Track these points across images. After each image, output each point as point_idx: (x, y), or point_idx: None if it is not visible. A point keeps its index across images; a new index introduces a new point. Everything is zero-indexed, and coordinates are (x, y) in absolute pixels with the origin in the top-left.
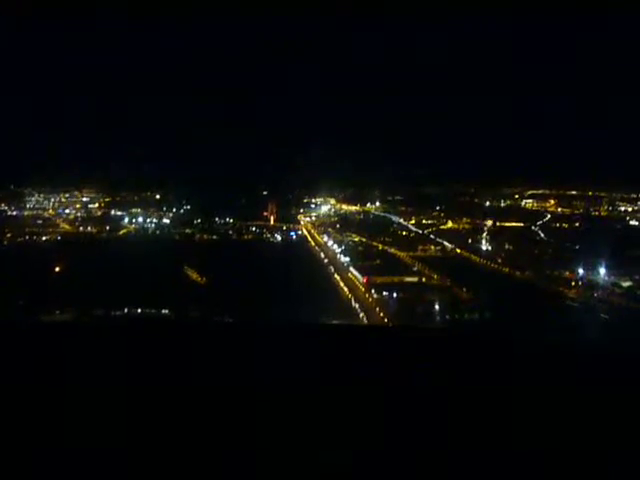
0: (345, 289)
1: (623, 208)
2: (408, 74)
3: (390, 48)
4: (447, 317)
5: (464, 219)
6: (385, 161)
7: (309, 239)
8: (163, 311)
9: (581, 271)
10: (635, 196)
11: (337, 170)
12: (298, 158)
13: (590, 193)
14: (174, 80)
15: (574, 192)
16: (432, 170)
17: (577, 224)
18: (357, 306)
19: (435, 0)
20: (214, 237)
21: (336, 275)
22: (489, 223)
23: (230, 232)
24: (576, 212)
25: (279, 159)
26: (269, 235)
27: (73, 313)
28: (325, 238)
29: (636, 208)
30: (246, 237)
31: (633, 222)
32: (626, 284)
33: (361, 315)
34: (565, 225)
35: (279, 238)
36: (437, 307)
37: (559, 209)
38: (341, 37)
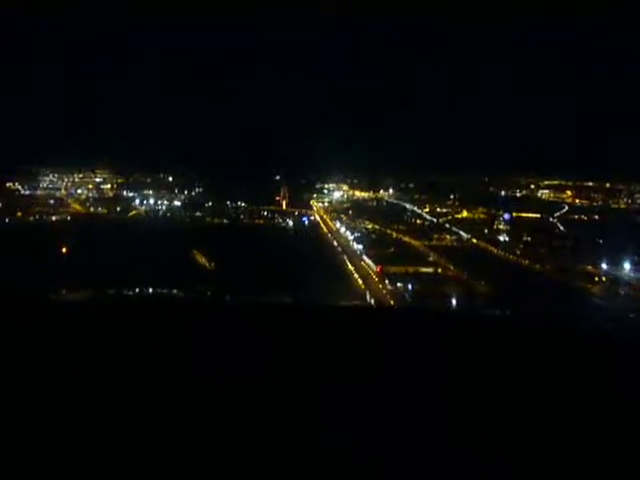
0: (358, 278)
1: None
2: (425, 61)
3: (407, 34)
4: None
5: (479, 208)
6: (399, 148)
7: (321, 225)
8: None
9: (605, 266)
10: None
11: (350, 156)
12: (312, 143)
13: (608, 185)
14: (188, 63)
15: (591, 183)
16: (446, 158)
17: (596, 216)
18: (370, 296)
19: None
20: (225, 221)
21: (349, 263)
22: (506, 213)
23: (241, 216)
24: (595, 204)
25: (293, 144)
26: (281, 220)
27: (79, 292)
28: (337, 224)
29: None
30: (258, 221)
31: None
32: None
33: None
34: (584, 217)
35: (291, 223)
36: (453, 301)
37: (577, 200)
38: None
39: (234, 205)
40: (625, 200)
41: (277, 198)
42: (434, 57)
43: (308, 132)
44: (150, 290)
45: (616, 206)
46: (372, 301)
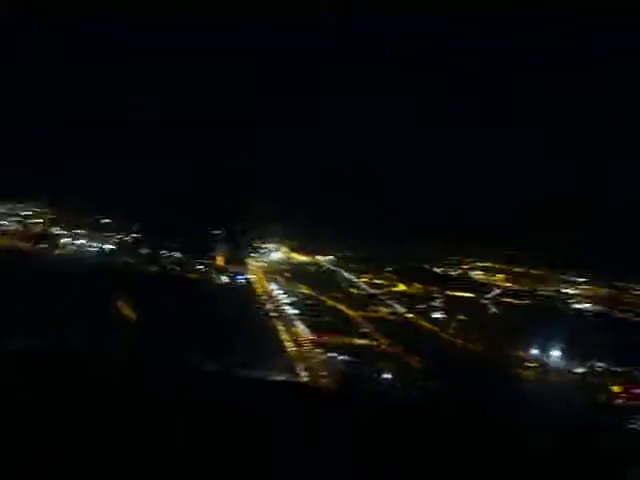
0: (290, 345)
1: (565, 290)
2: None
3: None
4: (397, 386)
5: (415, 284)
6: (339, 215)
7: (257, 285)
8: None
9: (535, 351)
10: (579, 280)
11: (292, 218)
12: (253, 201)
13: (535, 272)
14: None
15: (520, 269)
16: (386, 227)
17: (527, 301)
18: (300, 365)
19: None
20: (158, 270)
21: (281, 327)
22: (441, 291)
23: (176, 267)
24: (524, 289)
25: (233, 199)
26: (215, 276)
27: None
28: (273, 286)
29: (578, 292)
30: (192, 275)
31: (578, 305)
32: (580, 370)
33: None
34: (515, 301)
35: (226, 280)
36: (386, 375)
37: (507, 284)
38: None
39: (169, 255)
40: (552, 288)
41: (214, 253)
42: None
43: (250, 189)
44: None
45: (543, 293)
46: (303, 372)
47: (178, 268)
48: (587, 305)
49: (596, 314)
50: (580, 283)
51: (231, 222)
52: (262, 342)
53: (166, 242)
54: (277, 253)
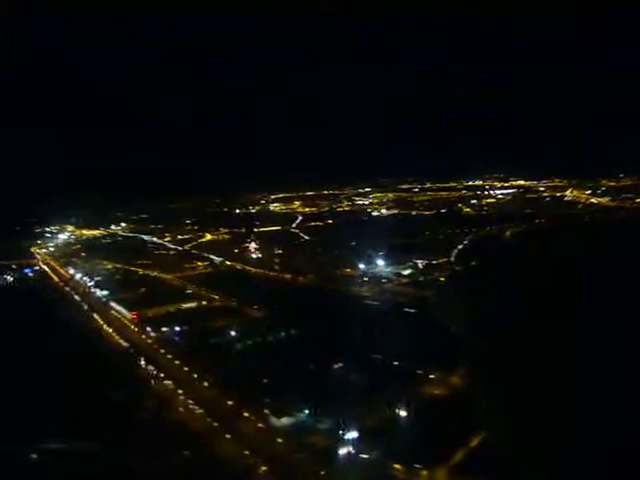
0: (112, 332)
1: (360, 202)
2: None
3: None
4: (249, 342)
5: (221, 229)
6: (120, 178)
7: (51, 274)
8: None
9: (361, 266)
10: (365, 190)
11: (68, 195)
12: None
13: (326, 192)
14: None
15: (311, 193)
16: (169, 183)
17: (330, 221)
18: (133, 351)
19: None
20: None
21: (95, 315)
22: (249, 230)
23: None
24: (323, 210)
25: None
26: None
27: None
28: (71, 270)
29: (369, 201)
30: None
31: (375, 213)
32: (407, 272)
33: (144, 365)
34: (320, 223)
35: (10, 278)
36: (233, 333)
37: (306, 209)
38: None
39: None
40: (346, 203)
41: None
42: None
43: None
44: None
45: (341, 209)
46: (132, 350)
47: None
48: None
49: None
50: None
51: None
52: (78, 338)
53: None
54: (64, 234)
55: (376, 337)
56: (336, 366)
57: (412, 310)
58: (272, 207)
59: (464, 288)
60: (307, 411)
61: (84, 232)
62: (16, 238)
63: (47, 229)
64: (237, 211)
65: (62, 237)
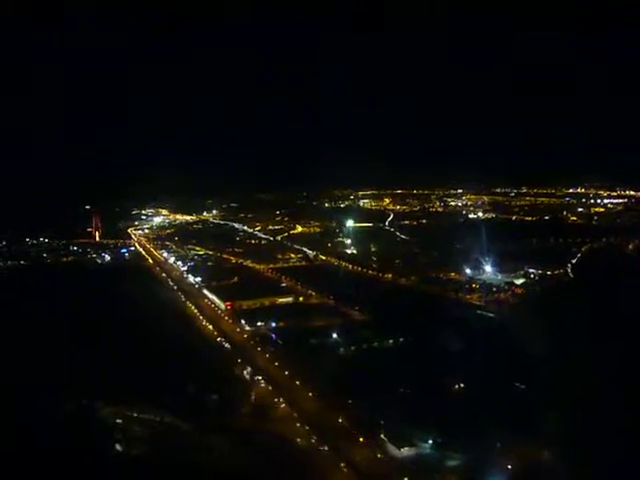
0: (206, 323)
1: (453, 203)
2: None
3: None
4: (353, 348)
5: (312, 222)
6: (215, 167)
7: (146, 256)
8: None
9: (468, 271)
10: (459, 191)
11: (165, 178)
12: (122, 167)
13: (415, 191)
14: None
15: (400, 191)
16: (264, 175)
17: (423, 220)
18: (229, 346)
19: None
20: (22, 262)
21: (188, 302)
22: (342, 224)
23: (44, 254)
24: (414, 209)
25: (99, 170)
26: (95, 255)
27: None
28: (165, 254)
29: (462, 203)
30: (65, 259)
31: (471, 215)
32: (519, 281)
33: (243, 369)
34: (414, 222)
35: (108, 257)
36: (335, 335)
37: (397, 207)
38: None
39: (34, 242)
40: (438, 204)
41: (89, 229)
42: None
43: (117, 155)
44: None
45: (433, 210)
46: (228, 345)
47: (46, 255)
48: None
49: None
50: None
51: (102, 193)
52: (173, 327)
53: (29, 228)
54: (158, 217)
55: (501, 357)
56: (456, 387)
57: (538, 327)
58: (361, 203)
59: (596, 307)
60: (431, 441)
61: (177, 217)
62: (117, 219)
63: (143, 212)
64: (326, 205)
65: (157, 220)
